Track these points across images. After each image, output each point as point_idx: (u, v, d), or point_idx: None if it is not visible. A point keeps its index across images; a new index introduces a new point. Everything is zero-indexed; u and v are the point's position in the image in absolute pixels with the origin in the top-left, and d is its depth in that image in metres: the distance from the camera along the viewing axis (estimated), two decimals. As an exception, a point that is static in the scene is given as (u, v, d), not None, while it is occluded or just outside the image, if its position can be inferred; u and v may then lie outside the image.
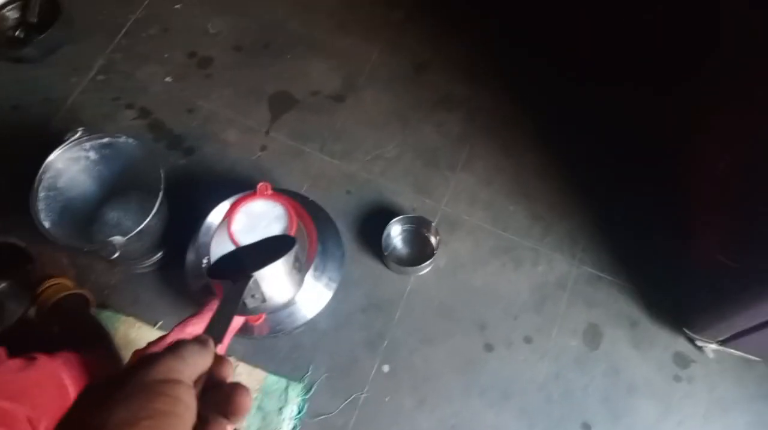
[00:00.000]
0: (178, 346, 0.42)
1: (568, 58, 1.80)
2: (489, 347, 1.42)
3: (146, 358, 0.40)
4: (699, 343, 1.39)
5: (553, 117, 1.70)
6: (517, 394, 1.38)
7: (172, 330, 1.02)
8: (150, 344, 0.97)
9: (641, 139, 1.64)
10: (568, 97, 1.73)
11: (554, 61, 1.79)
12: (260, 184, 1.33)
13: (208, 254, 1.31)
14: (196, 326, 1.03)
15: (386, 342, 1.43)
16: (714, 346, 1.37)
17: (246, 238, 1.30)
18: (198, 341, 0.44)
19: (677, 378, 1.39)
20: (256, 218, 1.33)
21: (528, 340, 1.43)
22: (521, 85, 1.76)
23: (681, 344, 1.42)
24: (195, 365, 0.42)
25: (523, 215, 1.57)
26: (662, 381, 1.39)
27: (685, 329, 1.40)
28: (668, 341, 1.42)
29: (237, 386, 0.44)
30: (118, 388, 0.38)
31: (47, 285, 1.34)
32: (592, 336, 1.44)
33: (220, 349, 0.47)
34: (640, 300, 1.47)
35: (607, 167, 1.62)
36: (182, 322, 1.04)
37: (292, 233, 1.30)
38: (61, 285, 1.35)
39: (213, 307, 1.09)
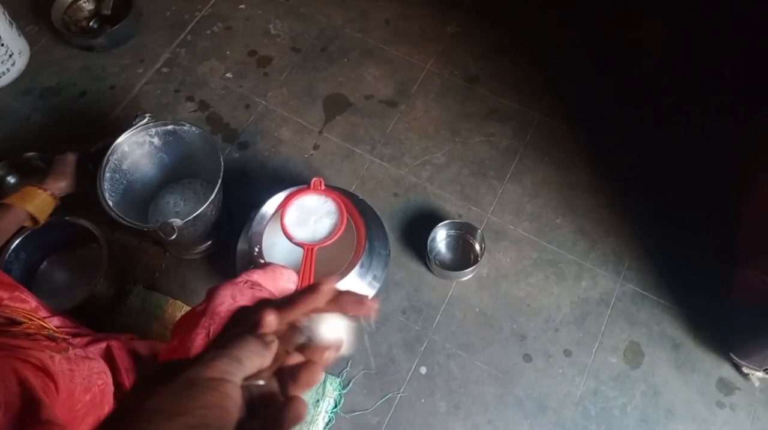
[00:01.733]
0: (239, 343, 0.40)
1: (626, 81, 1.81)
2: (527, 358, 1.42)
3: (202, 356, 0.39)
4: (745, 370, 1.36)
5: (605, 136, 1.71)
6: (553, 407, 1.37)
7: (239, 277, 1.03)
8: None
9: (698, 165, 1.64)
10: (624, 118, 1.74)
11: (610, 81, 1.80)
12: (314, 178, 1.37)
13: (260, 243, 1.34)
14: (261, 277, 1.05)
15: (424, 345, 1.43)
16: (761, 374, 1.34)
17: (297, 231, 1.34)
18: (261, 341, 0.41)
19: (720, 404, 1.36)
20: (308, 212, 1.36)
21: (567, 353, 1.42)
22: (573, 103, 1.77)
23: (726, 369, 1.39)
24: (251, 366, 0.40)
25: (569, 229, 1.57)
26: (703, 406, 1.37)
27: (731, 355, 1.38)
28: (712, 366, 1.40)
29: (294, 401, 0.40)
30: (171, 378, 0.38)
31: None
32: (633, 355, 1.42)
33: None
34: (685, 322, 1.45)
35: (658, 189, 1.62)
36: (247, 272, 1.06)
37: (342, 229, 1.32)
38: None
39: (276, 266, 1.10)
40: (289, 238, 1.32)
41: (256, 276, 1.03)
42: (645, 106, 1.75)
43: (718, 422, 1.35)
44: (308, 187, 1.37)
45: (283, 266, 1.12)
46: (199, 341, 0.91)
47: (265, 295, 0.99)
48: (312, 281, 1.25)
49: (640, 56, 1.86)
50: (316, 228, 1.35)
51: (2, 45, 1.70)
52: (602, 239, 1.56)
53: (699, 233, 1.55)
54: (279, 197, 1.41)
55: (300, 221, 1.35)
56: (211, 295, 0.98)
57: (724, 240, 1.51)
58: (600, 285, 1.50)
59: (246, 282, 1.01)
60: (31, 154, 1.62)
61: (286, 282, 1.14)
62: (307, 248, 1.29)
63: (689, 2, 1.90)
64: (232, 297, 0.95)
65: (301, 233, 1.33)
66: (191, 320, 0.95)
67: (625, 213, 1.59)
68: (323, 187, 1.37)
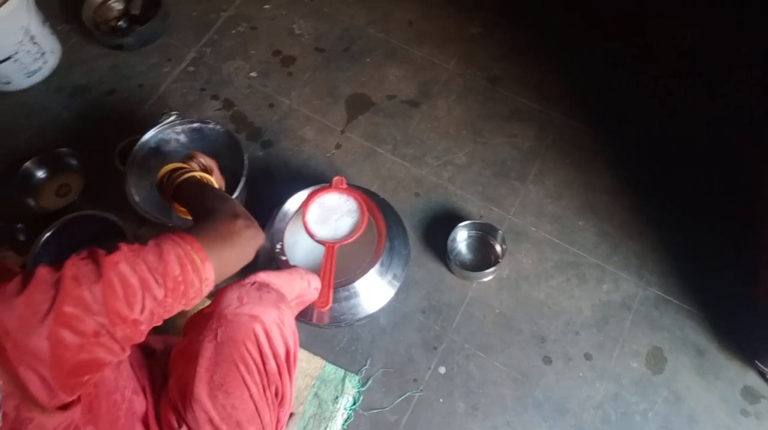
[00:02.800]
0: None
1: (649, 82, 1.79)
2: (547, 360, 1.41)
3: None
4: (771, 378, 1.34)
5: (628, 138, 1.69)
6: (573, 410, 1.36)
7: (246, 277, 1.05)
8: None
9: (723, 168, 1.61)
10: (647, 120, 1.72)
11: (633, 82, 1.79)
12: (336, 177, 1.38)
13: (282, 240, 1.36)
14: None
15: (443, 345, 1.43)
16: (787, 382, 1.31)
17: (319, 228, 1.35)
18: None
19: (744, 412, 1.34)
20: (330, 210, 1.38)
21: (588, 357, 1.41)
22: (596, 104, 1.76)
23: (751, 377, 1.37)
24: None
25: (591, 232, 1.56)
26: (727, 415, 1.34)
27: (757, 362, 1.35)
28: (737, 374, 1.38)
29: None
30: None
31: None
32: (655, 360, 1.40)
33: None
34: (709, 328, 1.43)
35: (682, 192, 1.60)
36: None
37: (363, 228, 1.33)
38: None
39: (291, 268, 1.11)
40: (311, 235, 1.33)
41: (264, 276, 1.04)
42: (668, 107, 1.73)
43: (742, 431, 1.33)
44: (330, 186, 1.38)
45: (307, 272, 1.12)
46: (207, 343, 0.92)
47: (273, 297, 1.00)
48: (332, 280, 1.26)
49: (664, 57, 1.84)
50: (337, 226, 1.36)
51: (35, 44, 1.74)
52: (625, 242, 1.54)
53: (724, 237, 1.53)
54: (301, 195, 1.43)
55: (322, 218, 1.37)
56: (218, 297, 0.99)
57: (750, 244, 1.49)
58: (622, 289, 1.48)
59: (253, 283, 1.01)
60: (62, 149, 1.66)
61: (306, 288, 1.15)
62: (329, 245, 1.30)
63: (713, 1, 1.88)
64: (238, 299, 0.96)
65: (323, 231, 1.34)
66: (199, 322, 0.96)
67: (649, 216, 1.57)
68: (345, 185, 1.38)
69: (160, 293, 0.75)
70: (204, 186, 1.12)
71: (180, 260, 0.79)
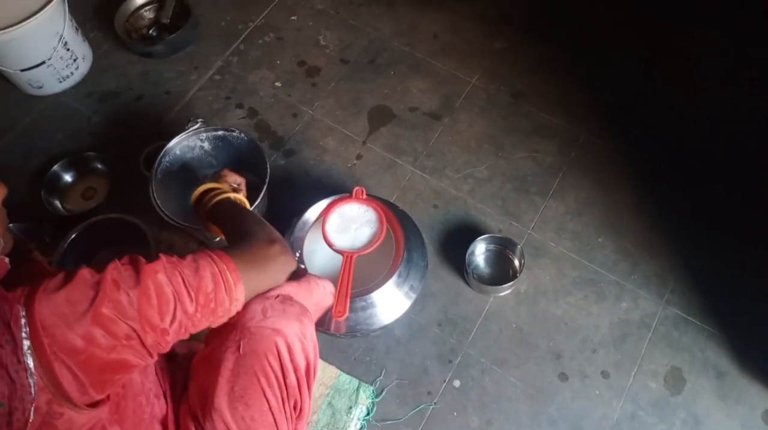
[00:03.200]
0: None
1: (675, 101, 1.78)
2: (563, 377, 1.40)
3: None
4: (793, 404, 1.31)
5: (652, 157, 1.68)
6: (588, 429, 1.34)
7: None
8: None
9: (748, 188, 1.60)
10: (671, 139, 1.71)
11: (658, 100, 1.78)
12: (356, 187, 1.39)
13: (301, 248, 1.37)
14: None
15: (459, 359, 1.43)
16: (810, 409, 1.28)
17: (338, 238, 1.36)
18: None
19: (765, 438, 1.31)
20: (349, 220, 1.39)
21: (605, 375, 1.39)
22: (620, 122, 1.75)
23: (772, 402, 1.34)
24: None
25: (611, 250, 1.55)
26: (747, 440, 1.32)
27: (778, 387, 1.33)
28: (758, 398, 1.35)
29: None
30: None
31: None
32: (674, 381, 1.38)
33: None
34: (731, 351, 1.40)
35: (705, 211, 1.58)
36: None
37: (381, 238, 1.34)
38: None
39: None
40: (330, 245, 1.34)
41: (289, 288, 1.03)
42: (693, 127, 1.72)
43: (763, 457, 1.30)
44: (350, 196, 1.39)
45: (319, 277, 1.13)
46: (229, 354, 0.93)
47: (296, 310, 1.00)
48: (350, 289, 1.27)
49: (689, 75, 1.82)
50: (356, 236, 1.37)
51: (68, 50, 1.79)
52: (645, 261, 1.53)
53: (746, 256, 1.51)
54: (321, 205, 1.44)
55: (341, 228, 1.38)
56: (243, 308, 0.98)
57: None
58: (641, 307, 1.47)
59: (277, 296, 1.01)
60: (90, 153, 1.70)
61: (322, 294, 1.16)
62: (347, 255, 1.31)
63: (743, 15, 1.86)
64: (262, 312, 0.96)
65: (342, 241, 1.35)
66: (222, 332, 0.97)
67: (670, 235, 1.56)
68: (365, 196, 1.39)
69: (191, 307, 0.78)
70: (239, 208, 1.15)
71: (214, 278, 0.83)
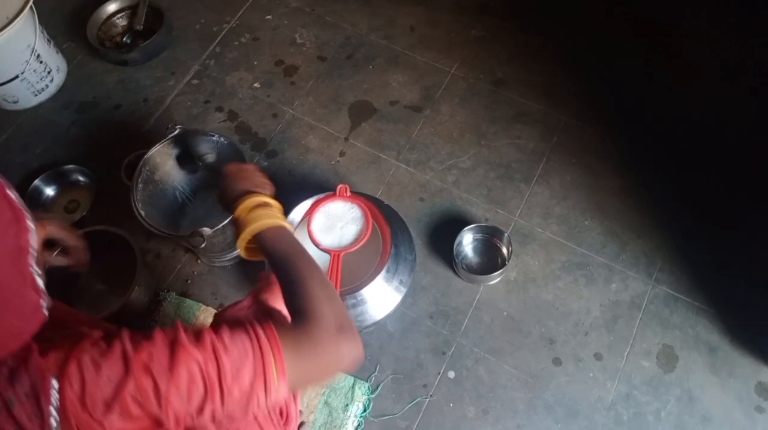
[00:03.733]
0: None
1: (656, 84, 1.78)
2: (557, 362, 1.40)
3: None
4: (785, 374, 1.32)
5: (635, 139, 1.68)
6: (584, 412, 1.35)
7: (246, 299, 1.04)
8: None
9: (732, 168, 1.60)
10: (653, 120, 1.71)
11: (639, 84, 1.78)
12: (340, 185, 1.38)
13: (287, 249, 1.36)
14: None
15: (452, 350, 1.43)
16: (801, 379, 1.29)
17: (324, 237, 1.35)
18: None
19: (759, 409, 1.32)
20: (334, 219, 1.38)
21: (598, 357, 1.40)
22: (601, 105, 1.75)
23: (765, 373, 1.35)
24: None
25: (598, 232, 1.55)
26: (741, 412, 1.33)
27: (770, 359, 1.34)
28: (751, 370, 1.36)
29: None
30: None
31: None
32: (667, 359, 1.39)
33: None
34: (721, 325, 1.41)
35: (690, 191, 1.59)
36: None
37: (367, 235, 1.34)
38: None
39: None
40: (316, 244, 1.33)
41: (267, 296, 1.02)
42: (676, 108, 1.72)
43: (758, 429, 1.31)
44: (334, 194, 1.38)
45: None
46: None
47: (279, 315, 0.96)
48: (339, 287, 1.26)
49: (671, 60, 1.82)
50: (342, 234, 1.36)
51: (42, 62, 1.77)
52: (633, 241, 1.53)
53: (734, 231, 1.51)
54: (306, 204, 1.43)
55: (326, 227, 1.37)
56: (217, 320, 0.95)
57: (761, 240, 1.47)
58: (631, 288, 1.47)
59: (249, 307, 0.99)
60: (70, 166, 1.68)
61: None
62: (334, 254, 1.31)
63: (725, 4, 1.86)
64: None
65: (328, 240, 1.35)
66: None
67: (656, 214, 1.56)
68: (349, 193, 1.39)
69: (219, 405, 0.69)
70: (298, 247, 0.87)
71: (256, 371, 0.69)
